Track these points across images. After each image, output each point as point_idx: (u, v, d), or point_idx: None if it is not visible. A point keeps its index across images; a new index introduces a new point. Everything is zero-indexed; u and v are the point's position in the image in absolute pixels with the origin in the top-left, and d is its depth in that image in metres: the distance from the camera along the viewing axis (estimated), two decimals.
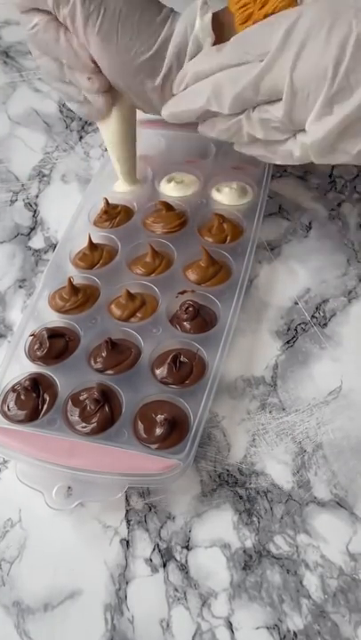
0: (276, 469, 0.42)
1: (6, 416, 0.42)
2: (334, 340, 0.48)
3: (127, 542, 0.39)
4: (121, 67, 0.45)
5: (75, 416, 0.42)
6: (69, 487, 0.40)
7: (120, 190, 0.57)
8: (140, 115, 0.52)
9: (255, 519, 0.40)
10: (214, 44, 0.43)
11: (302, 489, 0.41)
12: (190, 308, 0.46)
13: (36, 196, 0.63)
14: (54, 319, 0.48)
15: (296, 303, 0.51)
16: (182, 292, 0.49)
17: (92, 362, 0.45)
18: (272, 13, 0.41)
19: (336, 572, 0.37)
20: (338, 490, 0.40)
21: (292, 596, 0.37)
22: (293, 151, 0.42)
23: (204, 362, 0.44)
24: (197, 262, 0.50)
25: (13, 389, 0.43)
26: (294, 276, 0.53)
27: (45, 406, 0.43)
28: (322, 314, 0.50)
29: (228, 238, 0.52)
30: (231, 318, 0.46)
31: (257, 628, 0.36)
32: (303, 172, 0.62)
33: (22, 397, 0.43)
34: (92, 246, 0.52)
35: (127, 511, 0.41)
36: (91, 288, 0.50)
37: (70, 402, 0.43)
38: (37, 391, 0.43)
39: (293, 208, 0.59)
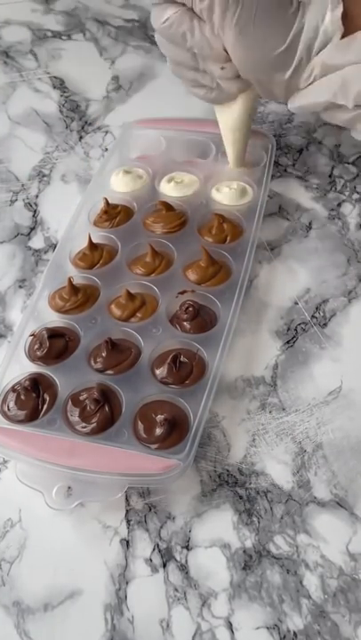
0: (276, 469, 0.42)
1: (6, 416, 0.42)
2: (334, 340, 0.48)
3: (127, 542, 0.39)
4: (254, 59, 0.46)
5: (75, 416, 0.42)
6: (69, 487, 0.40)
7: (120, 190, 0.57)
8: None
9: (255, 519, 0.40)
10: (343, 36, 0.43)
11: (302, 489, 0.41)
12: (190, 308, 0.46)
13: (36, 196, 0.63)
14: (54, 319, 0.48)
15: (296, 303, 0.51)
16: (182, 292, 0.49)
17: (92, 362, 0.45)
18: None
19: (336, 572, 0.37)
20: (338, 490, 0.40)
21: (292, 596, 0.37)
22: None
23: (204, 362, 0.44)
24: (197, 262, 0.50)
25: (13, 389, 0.43)
26: (294, 276, 0.53)
27: (45, 406, 0.43)
28: (322, 314, 0.50)
29: (228, 238, 0.52)
30: (231, 318, 0.46)
31: (257, 628, 0.36)
32: (303, 172, 0.62)
33: (22, 397, 0.43)
34: (92, 246, 0.52)
35: (127, 511, 0.41)
36: (91, 288, 0.50)
37: (70, 402, 0.43)
38: (37, 391, 0.43)
39: (293, 208, 0.59)
